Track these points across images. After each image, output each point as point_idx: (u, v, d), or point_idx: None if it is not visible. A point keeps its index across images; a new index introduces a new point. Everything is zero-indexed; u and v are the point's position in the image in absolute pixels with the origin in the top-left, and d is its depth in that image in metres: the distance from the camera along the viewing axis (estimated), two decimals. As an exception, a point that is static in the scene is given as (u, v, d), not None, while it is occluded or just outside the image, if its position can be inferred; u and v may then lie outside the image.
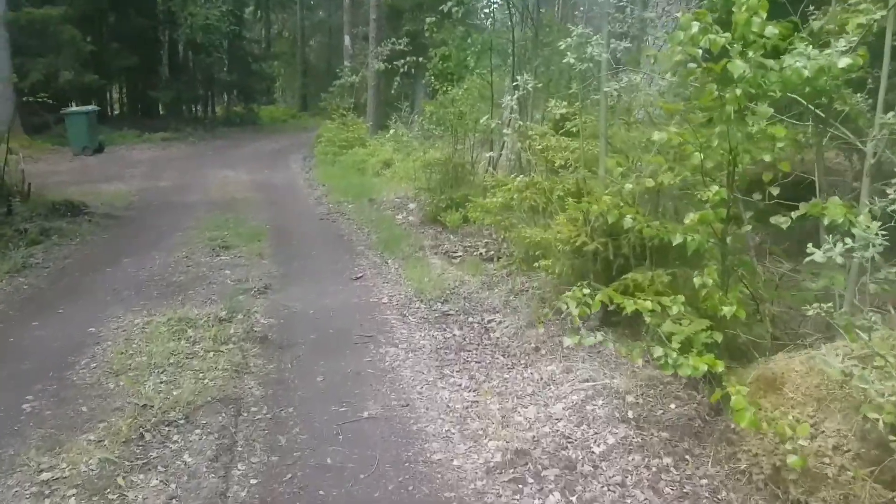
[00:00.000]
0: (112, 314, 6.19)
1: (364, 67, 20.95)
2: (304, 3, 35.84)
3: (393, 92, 22.53)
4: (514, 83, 9.43)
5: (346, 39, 24.97)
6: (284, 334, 5.84)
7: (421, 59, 10.05)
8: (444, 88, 12.22)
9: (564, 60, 4.92)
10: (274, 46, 33.80)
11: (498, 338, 5.71)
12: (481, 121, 7.67)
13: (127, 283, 7.27)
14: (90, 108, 18.74)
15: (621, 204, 4.51)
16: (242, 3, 28.65)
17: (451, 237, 9.17)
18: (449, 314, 6.34)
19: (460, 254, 8.22)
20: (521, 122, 6.96)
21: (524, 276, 6.93)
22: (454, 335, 5.84)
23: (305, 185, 15.40)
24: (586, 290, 3.87)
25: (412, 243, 8.83)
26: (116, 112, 26.49)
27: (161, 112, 24.71)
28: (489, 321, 6.09)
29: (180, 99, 25.31)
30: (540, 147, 6.85)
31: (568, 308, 3.94)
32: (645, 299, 3.84)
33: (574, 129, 6.54)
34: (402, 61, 10.30)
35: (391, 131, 17.48)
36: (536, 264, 6.11)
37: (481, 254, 8.16)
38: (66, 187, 13.89)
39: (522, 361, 5.23)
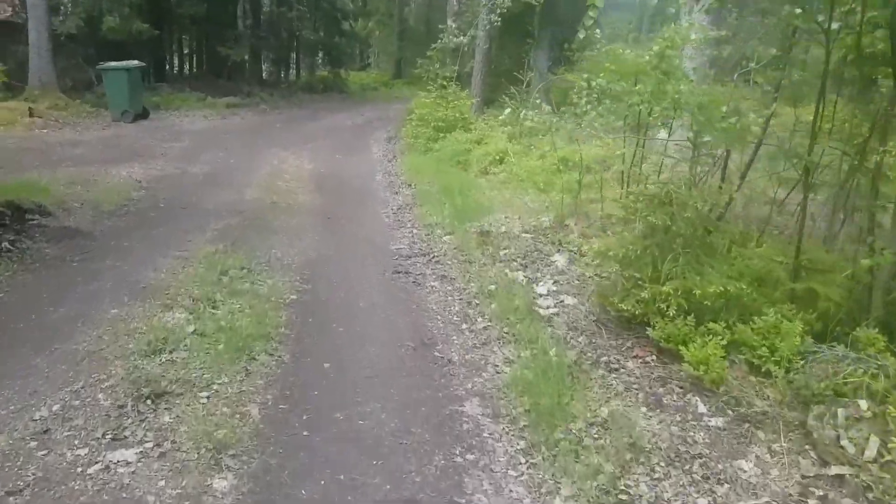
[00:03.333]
0: None
1: (473, 27, 15.17)
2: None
3: (507, 59, 16.92)
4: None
5: (452, -7, 19.15)
6: None
7: None
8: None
9: None
10: (369, 4, 28.18)
11: None
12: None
13: None
14: (132, 63, 13.81)
15: None
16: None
17: (703, 410, 3.53)
18: None
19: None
20: None
21: None
22: None
23: (384, 183, 9.99)
24: None
25: (598, 421, 3.35)
26: (185, 70, 21.53)
27: (233, 73, 19.65)
28: None
29: (256, 58, 20.19)
30: None
31: None
32: None
33: None
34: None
35: (506, 111, 11.89)
36: None
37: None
38: (61, 169, 9.40)
39: None
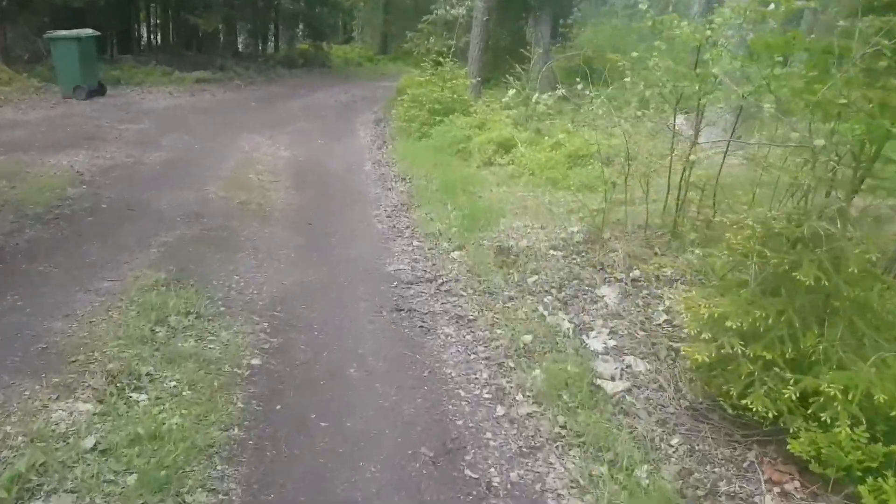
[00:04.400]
0: None
1: (469, -4, 13.49)
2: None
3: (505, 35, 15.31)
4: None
5: (443, -40, 17.38)
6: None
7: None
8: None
9: None
10: (353, -28, 26.09)
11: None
12: None
13: None
14: (84, 32, 12.01)
15: None
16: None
17: None
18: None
19: None
20: None
21: None
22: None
23: (374, 176, 8.48)
24: None
25: None
26: (153, 42, 19.49)
27: (205, 45, 17.73)
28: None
29: (231, 29, 18.28)
30: None
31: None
32: None
33: None
34: None
35: (511, 92, 10.36)
36: None
37: None
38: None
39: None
